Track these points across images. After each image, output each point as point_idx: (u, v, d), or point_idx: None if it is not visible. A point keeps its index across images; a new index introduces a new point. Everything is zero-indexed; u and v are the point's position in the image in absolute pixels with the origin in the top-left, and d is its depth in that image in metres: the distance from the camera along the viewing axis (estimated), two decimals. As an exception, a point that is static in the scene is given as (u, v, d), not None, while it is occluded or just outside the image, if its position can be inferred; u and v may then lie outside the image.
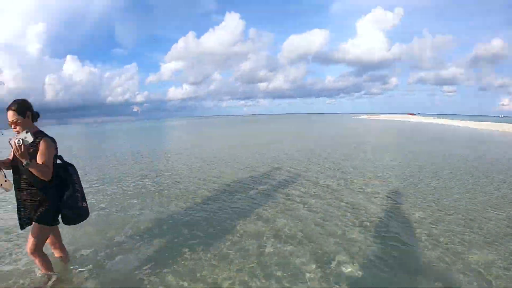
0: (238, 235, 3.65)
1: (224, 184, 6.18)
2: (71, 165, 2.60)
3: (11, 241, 3.49)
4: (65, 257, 2.94)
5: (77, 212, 2.52)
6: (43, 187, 2.37)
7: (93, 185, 6.25)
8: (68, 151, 13.03)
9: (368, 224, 3.92)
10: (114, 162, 9.64)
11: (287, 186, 5.92)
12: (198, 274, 2.79)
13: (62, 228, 2.87)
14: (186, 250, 3.28)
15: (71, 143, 18.76)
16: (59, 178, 2.49)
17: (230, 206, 4.75)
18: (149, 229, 3.87)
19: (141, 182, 6.52)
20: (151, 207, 4.74)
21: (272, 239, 3.50)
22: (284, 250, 3.24)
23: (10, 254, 3.15)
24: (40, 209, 2.40)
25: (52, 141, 2.40)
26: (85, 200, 2.60)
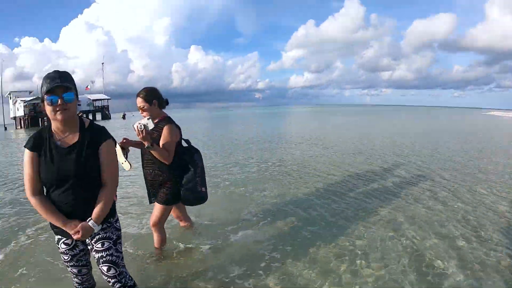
0: (362, 228, 3.29)
1: (347, 174, 5.76)
2: (197, 151, 2.72)
3: (142, 209, 4.00)
4: (190, 225, 3.25)
5: (196, 195, 2.64)
6: (164, 169, 2.52)
7: (219, 166, 6.88)
8: (198, 133, 15.02)
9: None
10: (240, 145, 10.46)
11: (413, 183, 5.00)
12: (318, 258, 2.68)
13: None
14: (306, 234, 3.18)
15: (202, 126, 21.00)
16: (183, 162, 2.62)
17: (352, 197, 4.37)
18: (270, 210, 3.93)
19: (264, 165, 6.79)
20: (272, 190, 4.84)
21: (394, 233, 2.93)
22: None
23: (140, 221, 3.62)
24: (162, 190, 2.57)
25: (175, 128, 2.53)
26: (205, 185, 2.71)
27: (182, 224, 3.25)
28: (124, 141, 2.48)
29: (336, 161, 7.02)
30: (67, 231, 1.65)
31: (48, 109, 1.58)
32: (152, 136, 2.42)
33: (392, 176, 5.45)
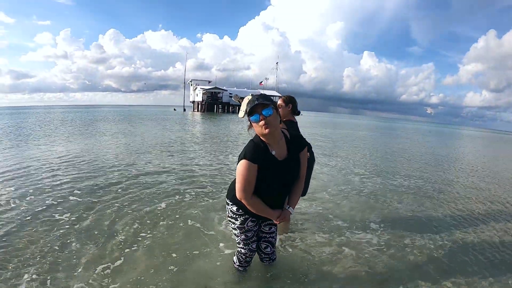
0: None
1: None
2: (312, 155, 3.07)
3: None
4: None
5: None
6: None
7: (366, 171, 6.80)
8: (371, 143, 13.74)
9: None
10: (403, 159, 9.47)
11: None
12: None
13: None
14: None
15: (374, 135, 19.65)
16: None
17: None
18: (398, 223, 3.84)
19: (420, 182, 6.26)
20: (413, 205, 4.60)
21: None
22: None
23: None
24: None
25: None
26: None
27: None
28: None
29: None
30: (273, 218, 2.04)
31: (256, 127, 1.88)
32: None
33: None
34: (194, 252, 2.82)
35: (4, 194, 4.25)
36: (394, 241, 3.29)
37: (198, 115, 40.61)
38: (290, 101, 3.03)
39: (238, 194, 1.94)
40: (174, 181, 5.27)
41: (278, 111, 1.95)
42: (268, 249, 2.37)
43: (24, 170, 5.65)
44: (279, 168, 1.93)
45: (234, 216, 2.16)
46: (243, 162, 1.86)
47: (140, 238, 3.05)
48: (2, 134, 11.97)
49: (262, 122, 1.81)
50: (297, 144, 2.04)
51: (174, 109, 58.23)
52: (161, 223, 3.45)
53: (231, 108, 57.54)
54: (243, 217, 2.14)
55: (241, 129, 18.27)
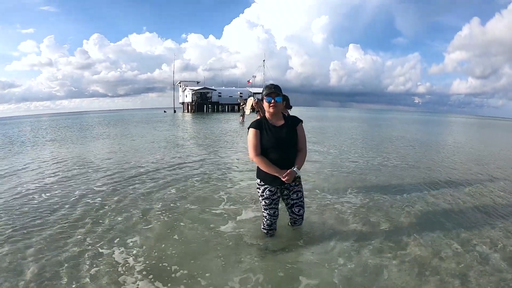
0: None
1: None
2: None
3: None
4: None
5: None
6: None
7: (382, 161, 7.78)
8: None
9: None
10: (386, 144, 10.20)
11: None
12: None
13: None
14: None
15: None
16: None
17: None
18: (374, 190, 4.79)
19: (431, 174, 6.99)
20: (390, 177, 5.56)
21: None
22: None
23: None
24: None
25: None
26: None
27: None
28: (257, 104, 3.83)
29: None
30: (280, 175, 2.57)
31: (265, 105, 2.69)
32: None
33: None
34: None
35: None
36: (370, 199, 4.27)
37: (189, 115, 41.13)
38: (284, 98, 3.73)
39: (249, 155, 2.69)
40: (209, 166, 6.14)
41: (284, 101, 2.81)
42: (301, 211, 2.94)
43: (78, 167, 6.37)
44: (276, 132, 2.65)
45: (258, 186, 2.83)
46: (249, 130, 2.70)
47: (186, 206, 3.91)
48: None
49: (272, 104, 2.65)
50: (293, 119, 2.81)
51: (164, 111, 58.36)
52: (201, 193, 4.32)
53: (220, 107, 58.64)
54: (263, 187, 2.77)
55: (236, 125, 19.09)
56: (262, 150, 2.67)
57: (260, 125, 2.71)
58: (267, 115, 2.76)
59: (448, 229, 3.36)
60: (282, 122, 2.74)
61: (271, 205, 2.82)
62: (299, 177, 2.80)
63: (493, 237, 3.19)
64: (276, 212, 2.88)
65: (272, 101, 2.65)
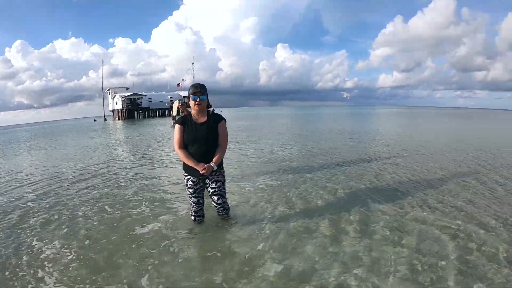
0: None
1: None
2: None
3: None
4: None
5: None
6: None
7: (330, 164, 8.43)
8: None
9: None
10: (307, 136, 10.98)
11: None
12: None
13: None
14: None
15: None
16: None
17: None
18: (288, 171, 5.33)
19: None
20: (304, 160, 6.20)
21: None
22: None
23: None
24: None
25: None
26: None
27: None
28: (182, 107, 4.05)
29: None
30: (197, 168, 2.80)
31: (191, 103, 2.86)
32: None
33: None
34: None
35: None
36: (285, 180, 4.79)
37: (120, 123, 38.51)
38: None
39: (175, 147, 2.98)
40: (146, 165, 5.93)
41: (208, 99, 2.97)
42: (220, 200, 3.09)
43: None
44: (196, 128, 2.89)
45: (184, 177, 3.09)
46: (175, 125, 3.00)
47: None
48: None
49: (197, 102, 2.84)
50: (215, 117, 3.00)
51: (95, 120, 53.77)
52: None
53: (151, 112, 57.21)
54: (187, 177, 3.02)
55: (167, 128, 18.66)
56: (185, 144, 2.91)
57: (184, 121, 2.94)
58: (192, 112, 2.95)
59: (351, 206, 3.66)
60: (205, 119, 2.95)
61: (195, 193, 3.05)
62: (219, 169, 3.03)
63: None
64: (200, 200, 3.11)
65: (198, 99, 2.84)
